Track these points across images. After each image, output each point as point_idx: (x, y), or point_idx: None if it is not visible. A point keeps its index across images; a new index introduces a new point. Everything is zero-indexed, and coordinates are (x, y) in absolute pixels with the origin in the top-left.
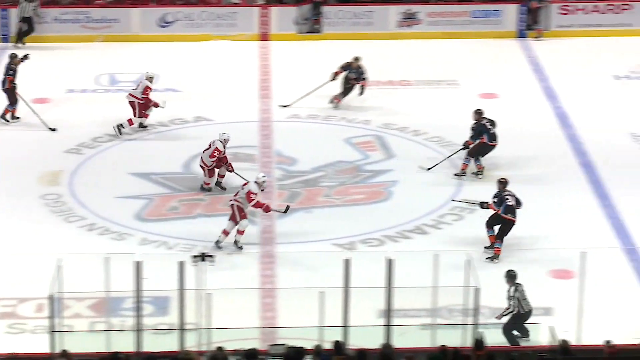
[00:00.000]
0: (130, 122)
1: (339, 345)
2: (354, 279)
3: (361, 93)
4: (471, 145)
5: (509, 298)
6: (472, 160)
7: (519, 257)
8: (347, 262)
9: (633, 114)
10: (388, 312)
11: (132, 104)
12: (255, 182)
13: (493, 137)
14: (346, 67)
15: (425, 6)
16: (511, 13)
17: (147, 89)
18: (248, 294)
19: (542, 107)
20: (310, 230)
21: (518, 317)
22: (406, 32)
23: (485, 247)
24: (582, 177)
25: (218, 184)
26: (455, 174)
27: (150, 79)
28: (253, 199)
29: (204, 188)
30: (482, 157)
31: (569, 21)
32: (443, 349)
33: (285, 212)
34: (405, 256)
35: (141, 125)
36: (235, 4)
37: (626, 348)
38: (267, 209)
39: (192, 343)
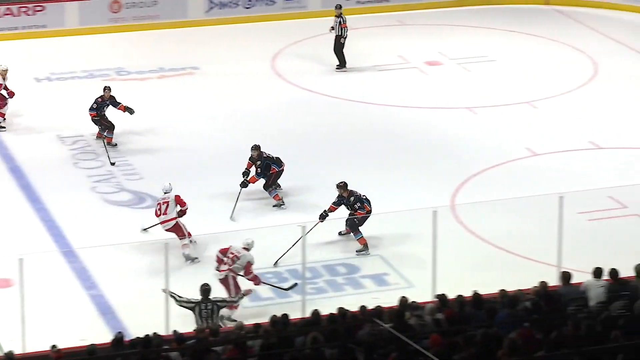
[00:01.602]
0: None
1: None
2: None
3: (132, 112)
4: (255, 182)
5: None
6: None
7: None
8: None
9: (57, 115)
10: None
11: None
12: (246, 247)
13: (279, 162)
14: (100, 105)
15: None
16: None
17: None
18: None
19: None
20: None
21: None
22: None
23: (358, 251)
24: (12, 182)
25: None
26: (274, 206)
27: (3, 72)
28: (251, 272)
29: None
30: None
31: None
32: None
33: (288, 289)
34: None
35: None
36: None
37: (73, 350)
38: (258, 282)
39: None
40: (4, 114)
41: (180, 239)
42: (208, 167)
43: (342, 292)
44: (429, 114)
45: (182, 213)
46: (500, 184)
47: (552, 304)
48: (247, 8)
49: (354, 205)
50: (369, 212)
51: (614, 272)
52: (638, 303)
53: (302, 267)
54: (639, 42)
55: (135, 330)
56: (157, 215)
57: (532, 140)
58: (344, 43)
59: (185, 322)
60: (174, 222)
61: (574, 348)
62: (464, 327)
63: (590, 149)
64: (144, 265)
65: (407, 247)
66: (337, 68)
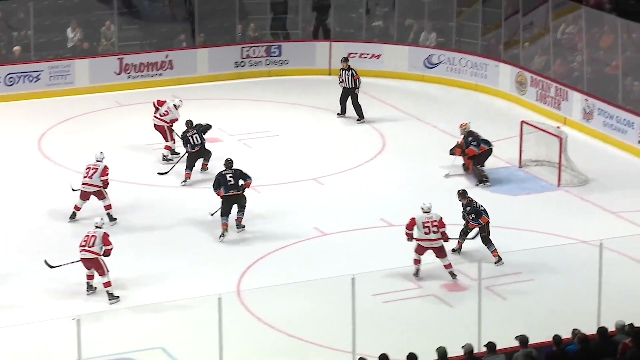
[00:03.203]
0: (167, 147)
1: None
2: None
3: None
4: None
5: None
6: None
7: None
8: None
9: None
10: None
11: (162, 129)
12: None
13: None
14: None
15: None
16: None
17: (174, 120)
18: None
19: None
20: None
21: None
22: None
23: (496, 263)
24: None
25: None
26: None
27: (178, 107)
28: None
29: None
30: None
31: None
32: None
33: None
34: None
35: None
36: None
37: None
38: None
39: None
40: (170, 147)
41: (100, 200)
42: None
43: None
44: (210, 194)
45: (105, 183)
46: (289, 266)
47: None
48: (9, 85)
49: (470, 215)
50: (487, 223)
51: (412, 357)
52: None
53: None
54: (425, 111)
55: None
56: (84, 177)
57: (321, 219)
58: (357, 95)
59: None
60: (96, 187)
61: None
62: None
63: (382, 226)
64: None
65: (192, 338)
66: (358, 121)
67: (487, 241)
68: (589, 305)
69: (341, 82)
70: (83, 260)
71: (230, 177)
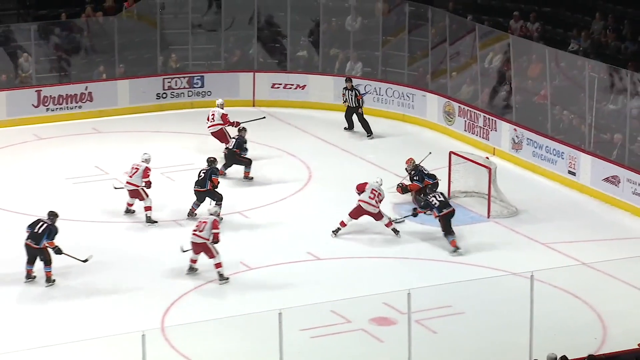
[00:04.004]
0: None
1: None
2: None
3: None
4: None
5: None
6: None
7: None
8: None
9: None
10: None
11: (219, 132)
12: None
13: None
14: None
15: None
16: None
17: (224, 115)
18: None
19: None
20: None
21: None
22: None
23: (453, 252)
24: None
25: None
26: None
27: (221, 105)
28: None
29: (129, 210)
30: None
31: None
32: None
33: None
34: None
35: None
36: None
37: None
38: None
39: None
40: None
41: (140, 201)
42: None
43: None
44: (130, 229)
45: (147, 184)
46: (214, 301)
47: None
48: None
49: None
50: (450, 213)
51: None
52: None
53: None
54: (351, 142)
55: None
56: (126, 175)
57: (247, 253)
58: (362, 112)
59: None
60: (135, 187)
61: None
62: None
63: (309, 260)
64: None
65: None
66: (368, 137)
67: (449, 230)
68: (521, 337)
69: (345, 101)
70: (193, 244)
71: (202, 173)
